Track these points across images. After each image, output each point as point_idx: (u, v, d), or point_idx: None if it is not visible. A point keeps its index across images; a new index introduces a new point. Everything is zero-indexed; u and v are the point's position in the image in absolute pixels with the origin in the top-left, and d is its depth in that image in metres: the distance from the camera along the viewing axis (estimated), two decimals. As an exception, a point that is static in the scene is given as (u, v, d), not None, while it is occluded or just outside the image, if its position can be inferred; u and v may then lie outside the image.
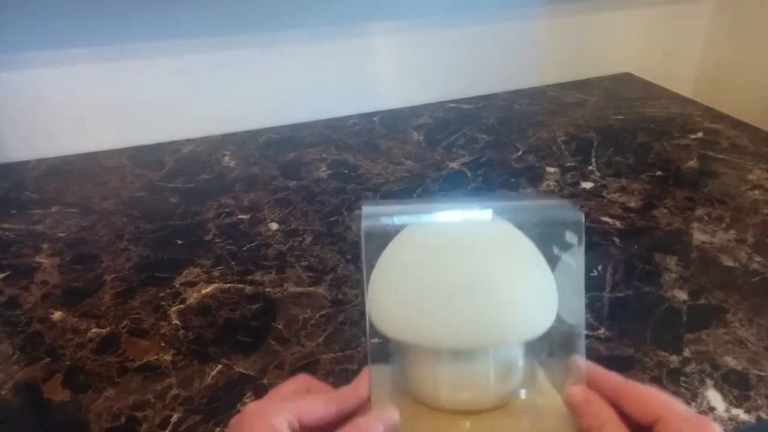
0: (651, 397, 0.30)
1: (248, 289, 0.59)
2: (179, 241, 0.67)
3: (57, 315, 0.56)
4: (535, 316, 0.32)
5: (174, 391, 0.48)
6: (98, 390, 0.48)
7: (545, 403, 0.33)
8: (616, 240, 0.66)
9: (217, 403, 0.47)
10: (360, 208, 0.35)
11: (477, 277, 0.32)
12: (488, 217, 0.35)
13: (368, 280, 0.35)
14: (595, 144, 0.89)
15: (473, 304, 0.31)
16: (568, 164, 0.84)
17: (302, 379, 0.35)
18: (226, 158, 0.87)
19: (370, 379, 0.33)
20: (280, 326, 0.54)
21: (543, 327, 0.33)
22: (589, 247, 0.65)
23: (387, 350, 0.34)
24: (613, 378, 0.32)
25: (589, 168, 0.82)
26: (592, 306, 0.56)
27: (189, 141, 0.92)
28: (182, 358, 0.51)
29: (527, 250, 0.34)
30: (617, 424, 0.29)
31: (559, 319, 0.33)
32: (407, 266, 0.33)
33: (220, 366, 0.50)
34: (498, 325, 0.32)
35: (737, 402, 0.46)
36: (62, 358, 0.51)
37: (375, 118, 1.00)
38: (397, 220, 0.36)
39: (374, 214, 0.36)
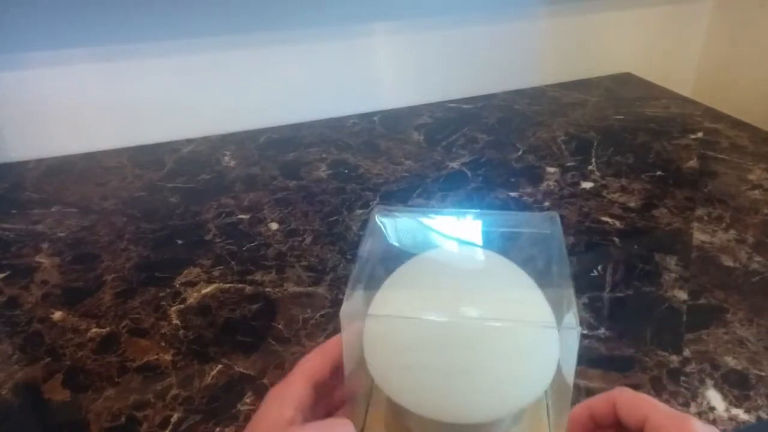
0: (641, 399, 0.31)
1: (248, 289, 0.59)
2: (179, 241, 0.67)
3: (57, 315, 0.56)
4: (537, 383, 0.32)
5: (174, 391, 0.48)
6: (98, 390, 0.48)
7: None
8: (616, 240, 0.66)
9: (217, 403, 0.47)
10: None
11: (482, 357, 0.31)
12: (491, 261, 0.35)
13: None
14: (595, 144, 0.89)
15: (478, 383, 0.31)
16: (568, 164, 0.84)
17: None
18: (226, 158, 0.87)
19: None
20: (280, 326, 0.54)
21: (543, 388, 0.32)
22: (589, 247, 0.65)
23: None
24: (607, 395, 0.32)
25: (589, 168, 0.82)
26: (592, 306, 0.56)
27: (189, 141, 0.92)
28: (182, 358, 0.51)
29: (533, 307, 0.33)
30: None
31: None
32: (408, 337, 0.32)
33: (220, 366, 0.50)
34: (500, 400, 0.31)
35: (737, 402, 0.46)
36: (62, 358, 0.51)
37: (375, 118, 1.00)
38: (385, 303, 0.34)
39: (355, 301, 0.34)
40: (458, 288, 0.34)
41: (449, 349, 0.31)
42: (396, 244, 0.38)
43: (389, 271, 0.36)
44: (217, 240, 0.67)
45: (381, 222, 0.38)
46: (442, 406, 0.32)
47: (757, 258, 0.63)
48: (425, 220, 0.40)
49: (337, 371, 0.33)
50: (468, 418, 0.32)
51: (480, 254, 0.37)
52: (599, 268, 0.62)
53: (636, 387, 0.45)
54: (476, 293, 0.33)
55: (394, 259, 0.37)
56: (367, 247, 0.36)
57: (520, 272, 0.36)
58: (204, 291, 0.59)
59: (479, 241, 0.38)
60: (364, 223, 0.70)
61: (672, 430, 0.28)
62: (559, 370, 0.32)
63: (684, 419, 0.29)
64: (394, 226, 0.39)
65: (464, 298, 0.33)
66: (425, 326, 0.32)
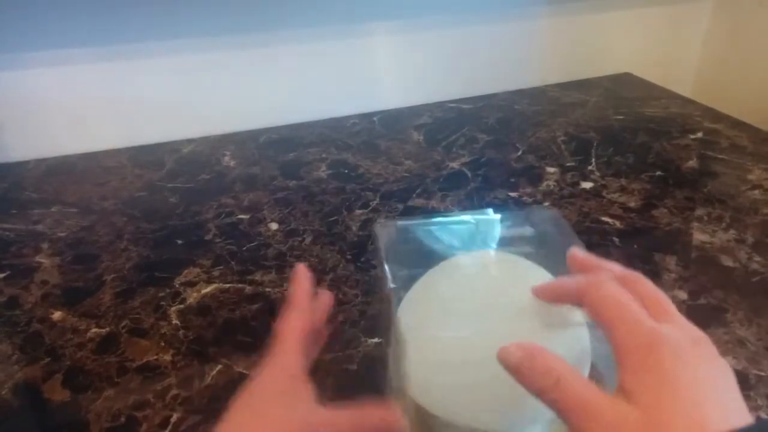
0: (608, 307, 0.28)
1: (248, 289, 0.59)
2: (179, 241, 0.67)
3: (57, 315, 0.56)
4: None
5: (174, 391, 0.48)
6: (98, 390, 0.48)
7: None
8: (616, 240, 0.66)
9: (217, 403, 0.47)
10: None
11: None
12: (513, 265, 0.35)
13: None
14: (595, 144, 0.89)
15: (515, 394, 0.31)
16: (568, 164, 0.84)
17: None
18: (226, 158, 0.87)
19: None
20: (280, 326, 0.54)
21: None
22: (589, 248, 0.65)
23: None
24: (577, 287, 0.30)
25: (589, 168, 0.82)
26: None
27: (189, 141, 0.92)
28: (182, 358, 0.51)
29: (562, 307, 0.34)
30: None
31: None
32: (446, 352, 0.33)
33: (220, 366, 0.50)
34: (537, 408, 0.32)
35: (737, 402, 0.46)
36: (62, 358, 0.51)
37: (375, 118, 1.00)
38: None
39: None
40: (487, 296, 0.34)
41: (487, 361, 0.31)
42: (411, 254, 0.38)
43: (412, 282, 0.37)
44: (217, 240, 0.67)
45: (385, 235, 0.38)
46: (479, 414, 0.32)
47: (757, 258, 0.63)
48: (436, 228, 0.40)
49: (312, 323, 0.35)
50: (503, 427, 0.32)
51: (499, 257, 0.37)
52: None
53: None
54: (505, 300, 0.33)
55: (413, 269, 0.37)
56: (387, 264, 0.36)
57: (542, 271, 0.35)
58: (204, 291, 0.59)
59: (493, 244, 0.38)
60: (364, 222, 0.70)
61: (640, 366, 0.25)
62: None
63: (653, 350, 0.25)
64: (402, 236, 0.39)
65: (496, 307, 0.33)
66: (462, 341, 0.32)
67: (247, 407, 0.31)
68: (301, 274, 0.39)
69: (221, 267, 0.62)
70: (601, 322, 0.27)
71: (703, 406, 0.24)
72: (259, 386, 0.32)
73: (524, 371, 0.27)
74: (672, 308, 0.28)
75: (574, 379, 0.26)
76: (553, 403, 0.26)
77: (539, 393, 0.27)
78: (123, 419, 0.45)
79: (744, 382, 0.48)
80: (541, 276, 0.35)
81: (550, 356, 0.27)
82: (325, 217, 0.71)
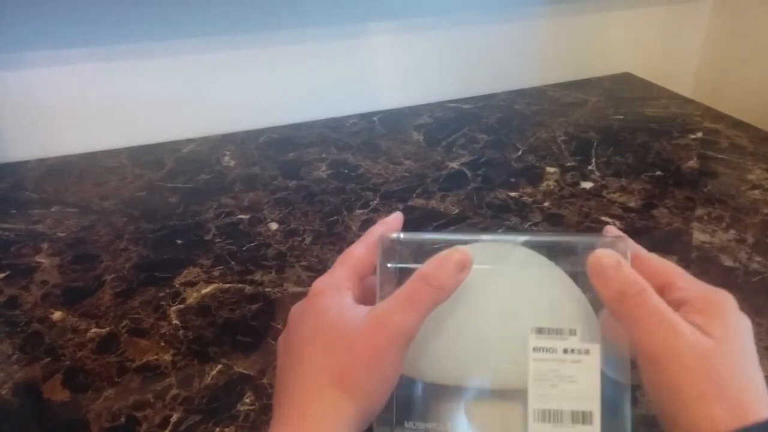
0: (661, 263, 0.33)
1: (248, 289, 0.59)
2: (179, 241, 0.67)
3: (57, 315, 0.56)
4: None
5: (174, 391, 0.48)
6: (98, 390, 0.48)
7: None
8: (616, 240, 0.66)
9: (217, 403, 0.47)
10: None
11: (510, 322, 0.32)
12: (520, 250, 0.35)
13: None
14: (595, 144, 0.89)
15: (509, 350, 0.32)
16: (568, 164, 0.84)
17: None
18: (226, 158, 0.87)
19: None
20: (280, 326, 0.54)
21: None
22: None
23: None
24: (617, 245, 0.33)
25: (589, 168, 0.82)
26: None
27: (189, 141, 0.92)
28: (182, 358, 0.51)
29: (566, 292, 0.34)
30: (652, 292, 0.29)
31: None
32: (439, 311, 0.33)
33: (219, 366, 0.50)
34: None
35: (737, 402, 0.46)
36: (62, 358, 0.51)
37: (375, 118, 1.00)
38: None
39: None
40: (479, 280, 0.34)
41: (470, 319, 0.32)
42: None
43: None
44: (217, 240, 0.67)
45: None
46: (465, 374, 0.32)
47: (757, 258, 0.63)
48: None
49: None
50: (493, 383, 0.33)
51: (509, 247, 0.36)
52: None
53: (637, 389, 0.45)
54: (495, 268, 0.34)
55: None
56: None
57: (540, 258, 0.35)
58: (204, 291, 0.59)
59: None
60: (364, 222, 0.70)
61: (707, 308, 0.29)
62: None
63: (719, 299, 0.30)
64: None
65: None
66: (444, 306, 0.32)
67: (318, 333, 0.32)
68: (394, 219, 0.37)
69: (221, 267, 0.62)
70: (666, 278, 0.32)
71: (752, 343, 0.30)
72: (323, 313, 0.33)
73: (611, 273, 0.29)
74: None
75: (657, 296, 0.29)
76: (632, 308, 0.29)
77: (620, 297, 0.29)
78: (123, 419, 0.45)
79: (744, 382, 0.48)
80: (540, 261, 0.35)
81: (635, 272, 0.29)
82: (325, 217, 0.71)
